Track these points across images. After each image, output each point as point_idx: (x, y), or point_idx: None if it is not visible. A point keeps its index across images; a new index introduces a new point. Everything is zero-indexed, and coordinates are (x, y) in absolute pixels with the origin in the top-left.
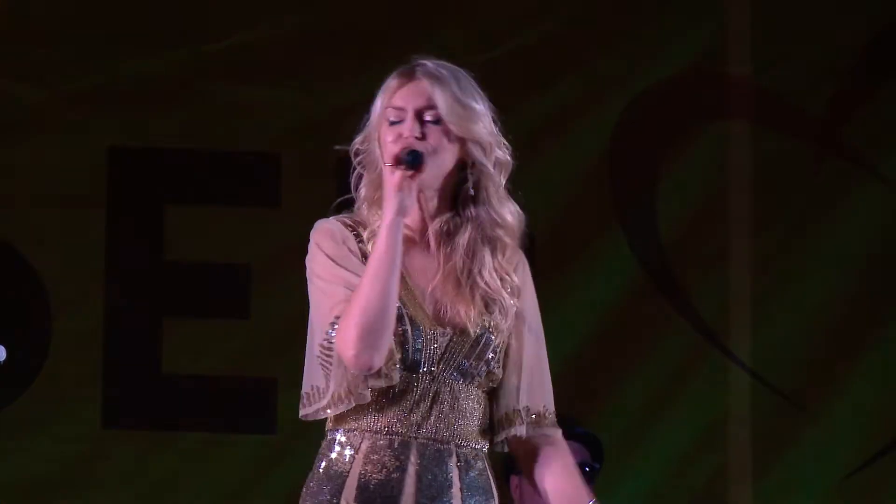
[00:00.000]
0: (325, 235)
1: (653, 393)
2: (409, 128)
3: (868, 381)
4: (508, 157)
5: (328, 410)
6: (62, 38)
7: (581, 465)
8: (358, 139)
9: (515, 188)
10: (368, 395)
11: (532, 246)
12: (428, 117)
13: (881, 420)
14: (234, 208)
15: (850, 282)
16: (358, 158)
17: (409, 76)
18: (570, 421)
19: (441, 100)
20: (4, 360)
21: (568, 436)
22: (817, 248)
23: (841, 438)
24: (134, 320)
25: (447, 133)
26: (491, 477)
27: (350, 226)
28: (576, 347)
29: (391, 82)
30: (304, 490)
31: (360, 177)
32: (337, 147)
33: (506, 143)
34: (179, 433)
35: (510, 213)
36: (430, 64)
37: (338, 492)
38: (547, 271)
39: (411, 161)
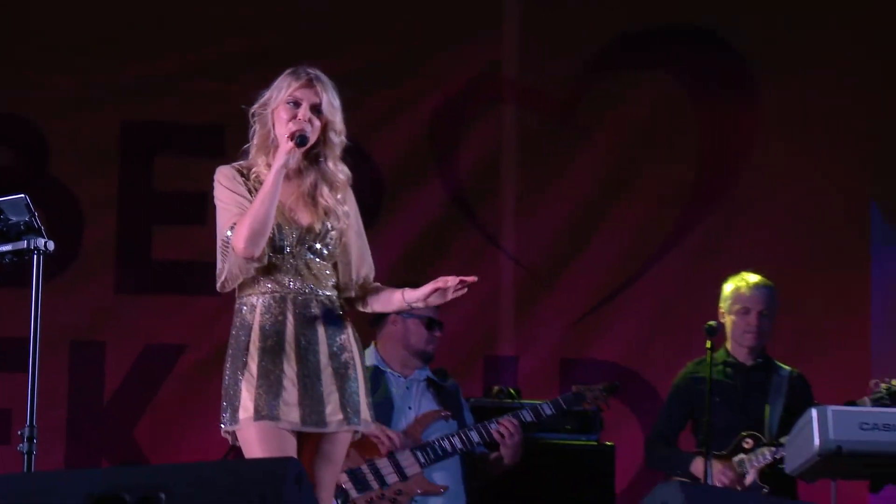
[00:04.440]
0: (224, 175)
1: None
2: (303, 113)
3: (591, 260)
4: (344, 139)
5: (230, 283)
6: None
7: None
8: (257, 104)
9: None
10: (253, 270)
11: (376, 188)
12: (317, 108)
13: (598, 284)
14: None
15: (577, 206)
16: (254, 118)
17: (308, 81)
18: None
19: (325, 101)
20: (54, 250)
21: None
22: (551, 185)
23: (571, 300)
24: (135, 227)
25: (322, 120)
26: (344, 314)
27: (237, 169)
28: (401, 256)
29: (294, 80)
30: (229, 340)
31: (255, 131)
32: (243, 106)
33: (344, 129)
34: (180, 296)
35: (342, 171)
36: (319, 74)
37: (248, 335)
38: (386, 207)
39: (300, 142)
